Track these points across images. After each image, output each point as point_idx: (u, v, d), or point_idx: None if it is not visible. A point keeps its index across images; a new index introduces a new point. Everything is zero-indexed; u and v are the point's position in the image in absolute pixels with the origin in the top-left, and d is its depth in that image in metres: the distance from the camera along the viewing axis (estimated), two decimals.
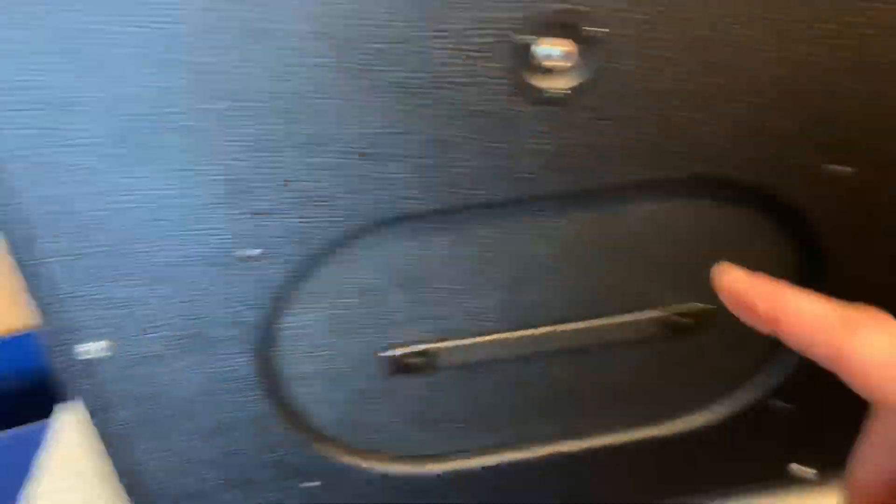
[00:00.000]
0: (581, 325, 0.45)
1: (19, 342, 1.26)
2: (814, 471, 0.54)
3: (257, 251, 0.39)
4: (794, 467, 0.55)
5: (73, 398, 0.43)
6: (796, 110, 0.38)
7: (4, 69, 0.32)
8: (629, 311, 0.46)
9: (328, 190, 0.37)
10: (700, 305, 0.46)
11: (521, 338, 0.45)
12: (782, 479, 0.55)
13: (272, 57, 0.33)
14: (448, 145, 0.37)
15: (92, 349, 0.41)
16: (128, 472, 0.46)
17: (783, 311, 0.24)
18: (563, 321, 0.45)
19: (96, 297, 0.39)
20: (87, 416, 0.44)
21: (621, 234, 0.43)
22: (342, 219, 0.38)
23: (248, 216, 0.37)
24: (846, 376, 0.22)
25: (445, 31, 0.34)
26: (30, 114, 0.33)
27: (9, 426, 1.00)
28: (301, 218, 0.38)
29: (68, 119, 0.33)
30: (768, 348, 0.49)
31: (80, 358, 0.41)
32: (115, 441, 0.45)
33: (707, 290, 0.43)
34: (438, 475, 0.50)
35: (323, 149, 0.36)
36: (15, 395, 1.37)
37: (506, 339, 0.45)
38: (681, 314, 0.46)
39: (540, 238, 0.42)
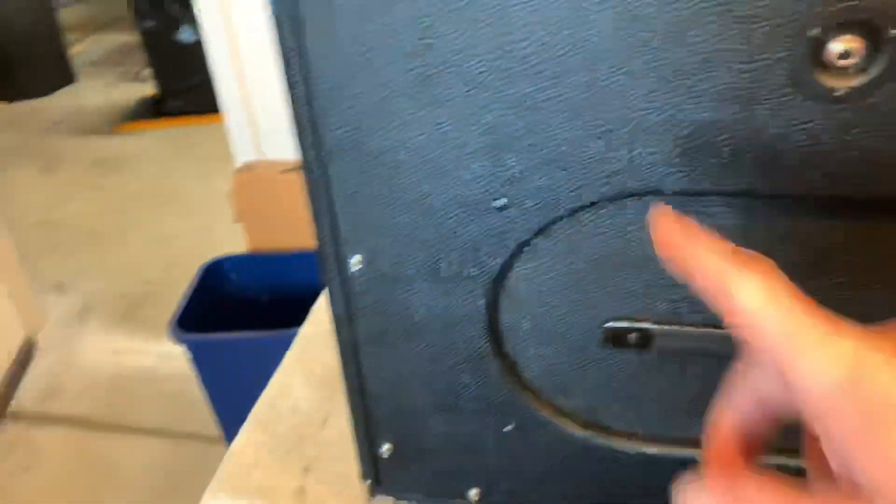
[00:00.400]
0: None
1: (299, 259, 1.46)
2: None
3: (507, 202, 0.42)
4: None
5: (329, 307, 0.50)
6: None
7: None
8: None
9: (584, 155, 0.39)
10: None
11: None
12: None
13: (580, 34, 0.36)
14: (714, 128, 0.37)
15: (351, 263, 0.47)
16: (352, 378, 0.52)
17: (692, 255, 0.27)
18: None
19: (362, 217, 0.44)
20: (333, 323, 0.50)
21: (880, 250, 0.40)
22: (591, 185, 0.40)
23: (507, 170, 0.41)
24: (727, 317, 0.24)
25: (732, 12, 0.34)
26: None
27: (274, 328, 1.16)
28: (552, 178, 0.40)
29: (374, 61, 0.39)
30: None
31: (340, 271, 0.47)
32: (348, 348, 0.51)
33: None
34: (628, 453, 0.51)
35: (588, 116, 0.38)
36: (286, 303, 1.59)
37: (728, 335, 0.45)
38: None
39: (788, 238, 0.41)
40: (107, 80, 4.63)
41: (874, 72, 0.34)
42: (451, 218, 0.43)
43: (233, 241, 1.78)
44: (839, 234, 0.40)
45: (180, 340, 1.34)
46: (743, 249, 0.26)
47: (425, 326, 0.48)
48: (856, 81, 0.34)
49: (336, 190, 0.44)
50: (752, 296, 0.24)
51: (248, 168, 1.55)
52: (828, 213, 0.40)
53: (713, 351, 0.46)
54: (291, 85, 0.41)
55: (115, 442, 1.81)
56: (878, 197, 0.37)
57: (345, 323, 0.49)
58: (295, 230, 1.48)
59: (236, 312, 1.56)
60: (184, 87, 3.70)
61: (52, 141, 3.76)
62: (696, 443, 0.50)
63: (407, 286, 0.47)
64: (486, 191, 0.42)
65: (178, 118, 3.74)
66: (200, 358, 1.39)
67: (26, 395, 1.97)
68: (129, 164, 3.37)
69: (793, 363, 0.23)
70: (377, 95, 0.40)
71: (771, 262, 0.25)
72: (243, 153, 1.67)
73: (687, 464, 0.50)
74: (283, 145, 1.64)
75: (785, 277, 0.25)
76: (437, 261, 0.45)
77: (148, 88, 4.25)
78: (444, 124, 0.40)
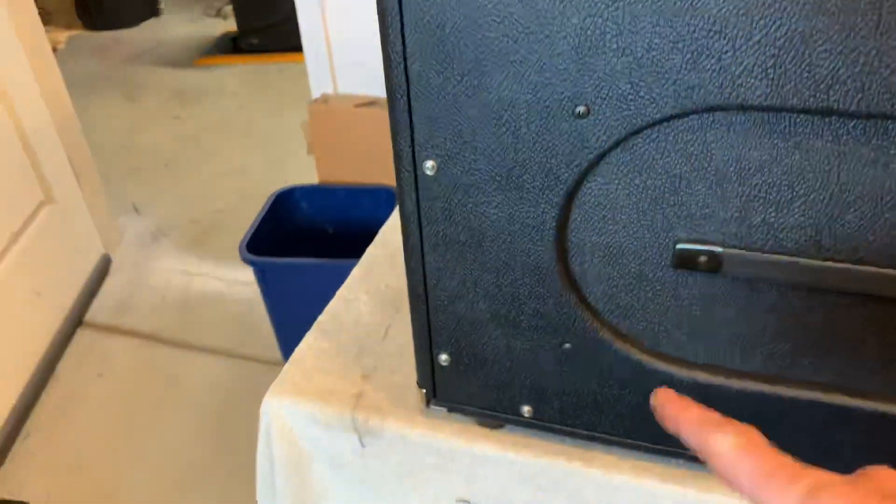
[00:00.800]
0: (892, 272, 0.42)
1: (367, 193, 1.48)
2: None
3: (588, 109, 0.41)
4: None
5: (400, 211, 0.51)
6: None
7: None
8: None
9: (671, 63, 0.38)
10: None
11: (820, 267, 0.43)
12: None
13: None
14: (811, 39, 0.36)
15: (424, 167, 0.47)
16: (417, 284, 0.53)
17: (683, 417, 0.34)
18: (874, 263, 0.43)
19: (440, 120, 0.45)
20: (402, 226, 0.51)
21: None
22: (676, 96, 0.39)
23: (591, 75, 0.40)
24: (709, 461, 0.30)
25: None
26: None
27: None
28: (636, 86, 0.40)
29: None
30: None
31: (412, 173, 0.48)
32: (416, 253, 0.52)
33: None
34: (686, 382, 0.51)
35: (680, 22, 0.37)
36: (353, 235, 1.63)
37: (802, 265, 0.44)
38: None
39: (878, 165, 0.39)
40: (190, 15, 4.72)
41: None
42: (530, 124, 0.43)
43: (303, 177, 1.81)
44: None
45: (249, 262, 1.39)
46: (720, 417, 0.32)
47: (493, 235, 0.49)
48: None
49: (414, 90, 0.44)
50: (724, 446, 0.30)
51: (324, 100, 1.57)
52: None
53: (782, 279, 0.45)
54: None
55: (180, 358, 1.90)
56: None
57: (414, 226, 0.50)
58: (365, 164, 1.50)
59: (304, 241, 1.60)
60: (262, 26, 3.74)
61: (135, 70, 3.87)
62: (751, 376, 0.50)
63: (478, 194, 0.47)
64: (568, 96, 0.42)
65: (254, 55, 3.80)
66: (267, 281, 1.44)
67: (100, 308, 2.08)
68: (207, 97, 3.45)
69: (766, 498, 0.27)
70: None
71: (751, 427, 0.31)
72: (319, 86, 1.69)
73: (739, 395, 0.50)
74: (358, 81, 1.65)
75: (758, 435, 0.30)
76: (511, 169, 0.45)
77: (228, 25, 4.32)
78: (530, 23, 0.40)
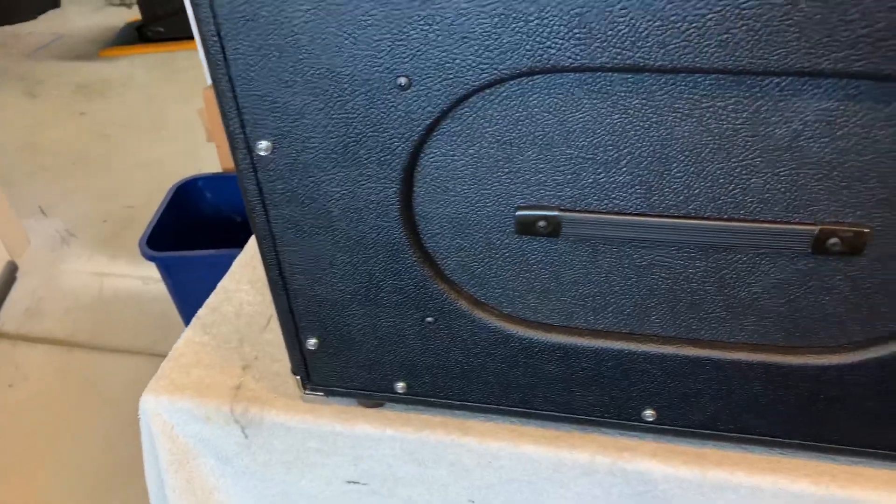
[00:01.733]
0: (721, 223, 0.43)
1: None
2: None
3: (410, 80, 0.41)
4: None
5: (243, 196, 0.49)
6: None
7: None
8: (776, 219, 0.42)
9: (482, 28, 0.38)
10: (854, 227, 0.41)
11: (652, 224, 0.44)
12: None
13: None
14: None
15: (258, 148, 0.46)
16: (273, 270, 0.52)
17: None
18: (702, 216, 0.43)
19: (265, 99, 0.43)
20: (248, 212, 0.50)
21: (784, 132, 0.39)
22: (491, 61, 0.39)
23: (406, 43, 0.39)
24: None
25: None
26: None
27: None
28: (451, 54, 0.39)
29: None
30: None
31: (247, 155, 0.46)
32: (266, 239, 0.51)
33: (866, 210, 0.40)
34: (544, 343, 0.52)
35: None
36: (235, 223, 1.60)
37: (635, 222, 0.44)
38: (832, 232, 0.42)
39: (692, 119, 0.40)
40: (92, 4, 4.51)
41: None
42: (354, 98, 0.42)
43: (215, 164, 1.76)
44: (744, 112, 0.39)
45: (150, 258, 1.35)
46: None
47: (339, 214, 0.48)
48: None
49: (235, 70, 0.43)
50: None
51: None
52: (729, 89, 0.39)
53: (619, 238, 0.45)
54: None
55: (97, 361, 1.83)
56: (773, 70, 0.36)
57: (259, 212, 0.49)
58: None
59: (212, 231, 1.56)
60: (167, 13, 3.60)
61: (36, 65, 3.68)
62: (605, 334, 0.51)
63: (317, 172, 0.46)
64: (387, 68, 0.41)
65: (161, 44, 3.66)
66: (173, 276, 1.40)
67: (9, 316, 1.99)
68: (113, 89, 3.31)
69: None
70: None
71: None
72: None
73: (597, 353, 0.51)
74: None
75: None
76: (347, 144, 0.45)
77: (132, 14, 4.15)
78: None
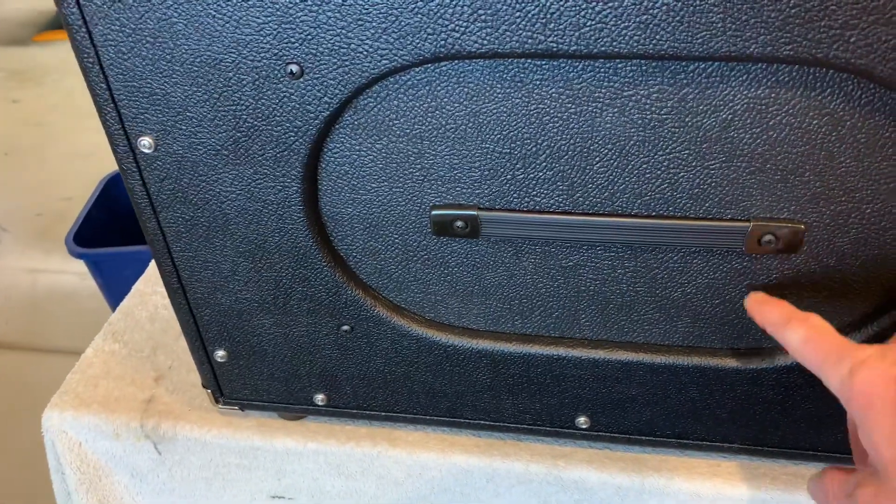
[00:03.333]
0: (648, 221, 0.40)
1: None
2: None
3: (302, 68, 0.36)
4: None
5: (130, 196, 0.44)
6: None
7: None
8: (707, 215, 0.39)
9: (378, 9, 0.34)
10: (789, 223, 0.39)
11: (577, 222, 0.41)
12: None
13: None
14: None
15: (140, 145, 0.41)
16: (170, 276, 0.47)
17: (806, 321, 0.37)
18: (628, 213, 0.40)
19: (143, 90, 0.38)
20: (137, 214, 0.45)
21: (713, 122, 0.36)
22: (391, 46, 0.35)
23: (295, 27, 0.35)
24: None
25: None
26: None
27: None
28: (346, 38, 0.35)
29: None
30: (866, 294, 0.41)
31: (129, 152, 0.41)
32: (159, 243, 0.46)
33: (800, 205, 0.37)
34: (469, 350, 0.48)
35: None
36: None
37: (558, 220, 0.41)
38: (766, 229, 0.39)
39: (614, 109, 0.36)
40: None
41: None
42: (242, 88, 0.38)
43: None
44: (669, 101, 0.36)
45: (77, 255, 1.28)
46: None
47: (236, 217, 0.43)
48: None
49: (106, 58, 0.38)
50: (794, 340, 0.36)
51: None
52: (652, 76, 0.35)
53: (542, 237, 0.42)
54: None
55: (32, 362, 1.75)
56: (697, 55, 0.33)
57: (148, 212, 0.44)
58: None
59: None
60: None
61: None
62: (533, 339, 0.47)
63: (208, 170, 0.42)
64: (275, 54, 0.36)
65: None
66: (103, 273, 1.33)
67: None
68: (49, 76, 3.16)
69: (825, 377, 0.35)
70: None
71: (811, 316, 0.37)
72: None
73: (525, 359, 0.47)
74: None
75: (819, 322, 0.36)
76: (238, 139, 0.40)
77: None
78: None
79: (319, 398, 0.53)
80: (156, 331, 0.67)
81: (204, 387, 0.55)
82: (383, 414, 0.54)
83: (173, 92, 0.38)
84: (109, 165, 2.33)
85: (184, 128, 0.40)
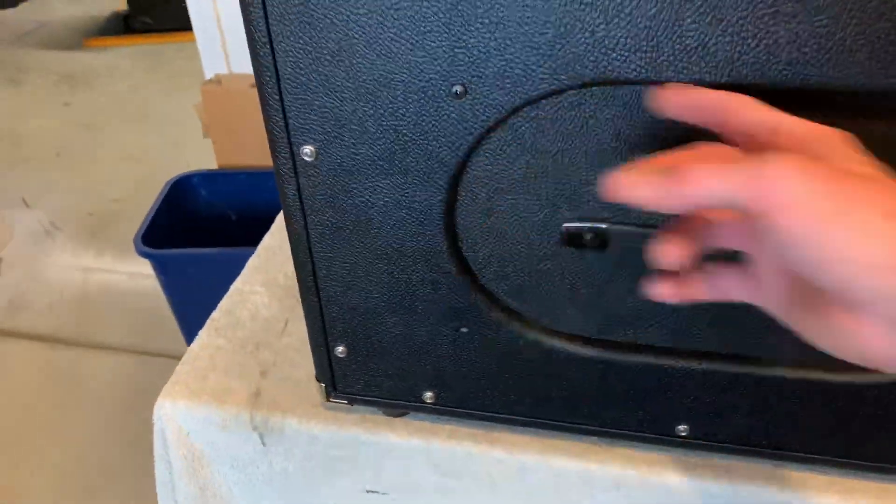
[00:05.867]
0: None
1: (269, 176, 1.43)
2: None
3: (465, 89, 0.40)
4: None
5: (282, 200, 0.48)
6: None
7: None
8: None
9: (544, 38, 0.37)
10: None
11: None
12: None
13: None
14: (680, 10, 0.35)
15: (302, 153, 0.45)
16: (306, 275, 0.51)
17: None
18: None
19: (313, 104, 0.42)
20: (286, 216, 0.49)
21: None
22: (551, 71, 0.38)
23: (465, 52, 0.39)
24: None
25: None
26: None
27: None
28: (512, 63, 0.38)
29: None
30: None
31: (289, 159, 0.45)
32: (302, 243, 0.49)
33: None
34: (582, 356, 0.51)
35: None
36: (256, 220, 1.57)
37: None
38: None
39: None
40: None
41: None
42: (407, 106, 0.41)
43: (204, 160, 1.73)
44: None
45: (146, 255, 1.32)
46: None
47: (380, 222, 0.47)
48: None
49: (284, 72, 0.41)
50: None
51: (217, 81, 1.50)
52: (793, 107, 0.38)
53: None
54: None
55: (81, 358, 1.80)
56: (842, 88, 0.36)
57: (298, 216, 0.48)
58: (265, 146, 1.43)
59: (206, 229, 1.54)
60: (154, 3, 3.55)
61: (20, 53, 3.61)
62: (646, 349, 0.50)
63: (361, 179, 0.45)
64: (444, 75, 0.40)
65: (147, 35, 3.61)
66: (167, 273, 1.37)
67: None
68: (99, 80, 3.25)
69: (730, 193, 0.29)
70: None
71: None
72: (212, 67, 1.61)
73: (635, 368, 0.50)
74: None
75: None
76: (394, 152, 0.44)
77: (118, 3, 4.08)
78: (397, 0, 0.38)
79: (428, 395, 0.56)
80: (258, 328, 0.70)
81: (318, 380, 0.59)
82: (487, 414, 0.57)
83: (342, 106, 0.42)
84: (156, 168, 2.40)
85: (346, 139, 0.43)
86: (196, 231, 1.53)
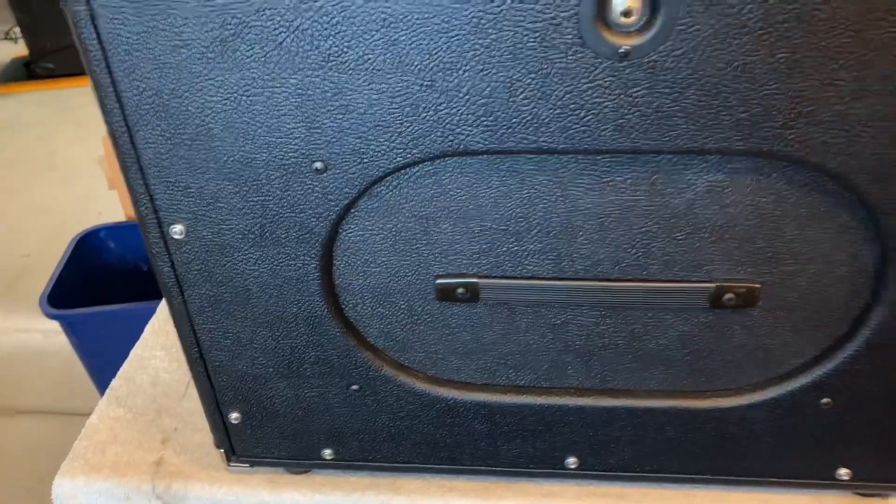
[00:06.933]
0: (626, 284, 0.46)
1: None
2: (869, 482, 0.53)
3: (326, 165, 0.42)
4: (843, 472, 0.53)
5: (158, 278, 0.48)
6: (870, 95, 0.36)
7: None
8: (676, 278, 0.46)
9: (393, 117, 0.39)
10: (746, 283, 0.45)
11: (563, 286, 0.47)
12: (829, 483, 0.54)
13: None
14: (512, 88, 0.38)
15: (172, 232, 0.45)
16: (191, 348, 0.52)
17: None
18: (608, 278, 0.46)
19: (178, 185, 0.43)
20: (164, 293, 0.49)
21: (679, 201, 0.42)
22: (404, 146, 0.40)
23: (321, 132, 0.40)
24: None
25: None
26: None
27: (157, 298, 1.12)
28: (366, 140, 0.40)
29: (171, 20, 0.37)
30: (813, 340, 0.48)
31: (160, 238, 0.46)
32: (183, 318, 0.50)
33: (756, 268, 0.43)
34: (468, 402, 0.53)
35: (393, 79, 0.38)
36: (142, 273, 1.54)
37: (547, 286, 0.47)
38: (727, 289, 0.45)
39: (595, 192, 0.43)
40: None
41: (653, 31, 0.36)
42: (270, 182, 0.43)
43: (117, 210, 1.69)
44: (642, 185, 0.42)
45: (52, 317, 1.28)
46: None
47: (258, 292, 0.48)
48: (637, 40, 0.36)
49: (145, 158, 0.42)
50: None
51: None
52: (627, 165, 0.42)
53: (533, 300, 0.48)
54: (85, 49, 0.39)
55: (1, 423, 1.72)
56: (665, 150, 0.39)
57: (175, 291, 0.48)
58: None
59: (118, 283, 1.50)
60: (57, 48, 3.45)
61: None
62: (526, 390, 0.53)
63: (234, 253, 0.46)
64: (303, 153, 0.41)
65: (51, 80, 3.49)
66: (77, 333, 1.34)
67: None
68: (3, 129, 3.13)
69: None
70: (176, 58, 0.38)
71: None
72: None
73: (519, 409, 0.53)
74: None
75: None
76: (264, 225, 0.45)
77: (19, 48, 3.94)
78: (249, 86, 0.39)
79: (327, 453, 0.57)
80: (158, 394, 0.70)
81: (217, 447, 0.59)
82: (387, 465, 0.58)
83: (206, 186, 0.43)
84: (66, 221, 2.32)
85: (214, 216, 0.44)
86: (107, 286, 1.49)
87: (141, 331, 0.77)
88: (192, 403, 0.68)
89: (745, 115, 0.38)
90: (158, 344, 0.75)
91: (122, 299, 1.36)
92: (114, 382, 0.71)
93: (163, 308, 0.81)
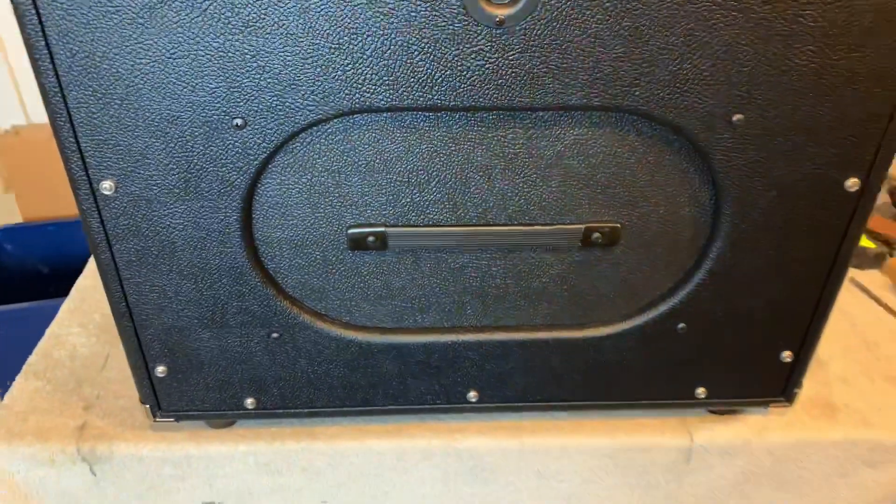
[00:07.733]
0: (511, 228, 0.54)
1: (79, 226, 1.37)
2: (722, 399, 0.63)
3: (244, 122, 0.47)
4: (700, 391, 0.63)
5: (86, 233, 0.52)
6: (694, 58, 0.45)
7: None
8: (553, 221, 0.54)
9: (305, 77, 0.45)
10: (610, 224, 0.54)
11: (460, 232, 0.54)
12: (690, 402, 0.64)
13: None
14: (409, 50, 0.45)
15: (102, 188, 0.49)
16: (118, 302, 0.55)
17: None
18: (497, 223, 0.54)
19: (108, 142, 0.47)
20: (91, 248, 0.53)
21: (551, 153, 0.50)
22: (315, 104, 0.46)
23: (240, 91, 0.46)
24: None
25: None
26: None
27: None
28: (282, 98, 0.46)
29: None
30: (668, 273, 0.57)
31: (90, 195, 0.50)
32: (110, 272, 0.54)
33: (617, 210, 0.52)
34: (380, 344, 0.59)
35: (305, 41, 0.44)
36: (69, 272, 1.50)
37: (447, 232, 0.54)
38: (594, 229, 0.54)
39: (482, 146, 0.50)
40: None
41: (523, 2, 0.43)
42: (194, 139, 0.48)
43: (9, 213, 1.64)
44: (521, 139, 0.50)
45: None
46: None
47: (183, 244, 0.52)
48: (510, 10, 0.43)
49: (77, 117, 0.46)
50: None
51: (15, 133, 1.44)
52: (509, 121, 0.49)
53: (436, 245, 0.54)
54: (22, 13, 0.43)
55: None
56: (537, 106, 0.47)
57: (103, 246, 0.52)
58: (71, 197, 1.39)
59: (16, 285, 1.46)
60: None
61: None
62: (431, 330, 0.59)
63: (160, 207, 0.50)
64: (224, 111, 0.47)
65: None
66: None
67: None
68: None
69: None
70: (107, 22, 0.43)
71: None
72: (9, 118, 1.55)
73: (425, 347, 0.59)
74: None
75: None
76: (188, 180, 0.49)
77: None
78: (174, 48, 0.44)
79: (249, 402, 0.62)
80: (77, 367, 0.72)
81: (142, 402, 0.62)
82: (306, 411, 0.63)
83: (135, 143, 0.47)
84: None
85: (142, 172, 0.49)
86: (6, 288, 1.45)
87: (42, 331, 0.78)
88: (114, 373, 0.71)
89: (599, 75, 0.46)
90: (75, 322, 0.77)
91: (22, 301, 1.33)
92: (30, 359, 0.73)
93: (78, 288, 0.82)
